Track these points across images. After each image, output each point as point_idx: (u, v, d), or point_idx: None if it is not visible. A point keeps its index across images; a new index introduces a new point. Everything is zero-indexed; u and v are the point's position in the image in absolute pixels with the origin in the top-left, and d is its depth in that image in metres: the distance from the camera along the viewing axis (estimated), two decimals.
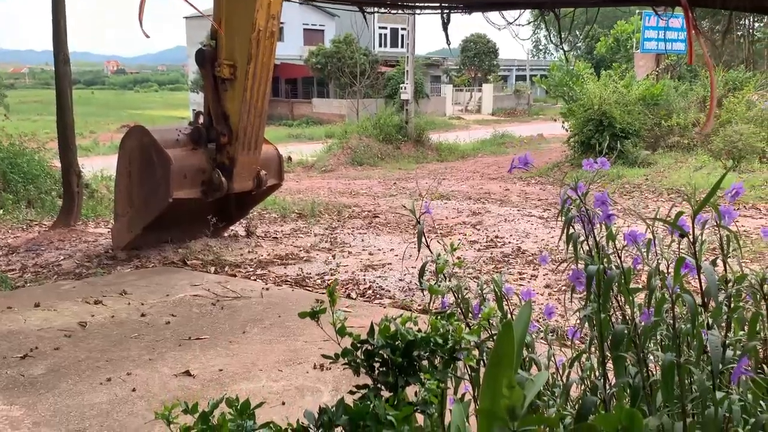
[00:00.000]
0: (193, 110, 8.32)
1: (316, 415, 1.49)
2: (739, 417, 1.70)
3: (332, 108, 37.44)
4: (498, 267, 7.18)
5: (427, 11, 8.11)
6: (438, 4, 7.47)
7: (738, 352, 1.90)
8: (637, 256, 1.97)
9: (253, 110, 7.50)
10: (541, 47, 58.27)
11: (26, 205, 11.04)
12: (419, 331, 1.62)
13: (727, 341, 1.83)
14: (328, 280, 6.85)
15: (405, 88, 22.08)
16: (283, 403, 3.85)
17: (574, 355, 2.08)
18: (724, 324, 1.98)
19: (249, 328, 5.23)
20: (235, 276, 6.92)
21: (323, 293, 6.23)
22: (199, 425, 1.42)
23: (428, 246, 2.25)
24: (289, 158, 17.62)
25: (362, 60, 33.77)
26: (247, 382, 4.21)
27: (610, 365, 1.98)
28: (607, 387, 1.91)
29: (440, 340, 1.57)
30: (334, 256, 7.87)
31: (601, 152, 14.18)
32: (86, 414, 3.80)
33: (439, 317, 1.62)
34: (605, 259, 1.95)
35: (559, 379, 2.25)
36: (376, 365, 1.66)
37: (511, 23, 5.73)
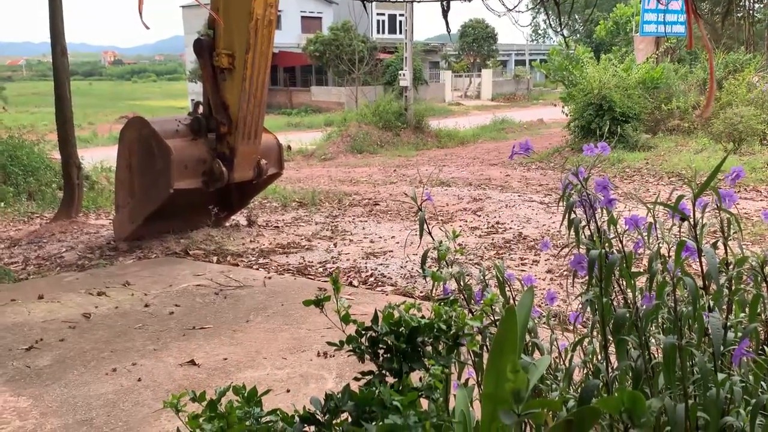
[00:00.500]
0: (192, 100, 8.31)
1: (323, 402, 1.51)
2: (740, 398, 1.72)
3: (331, 96, 37.32)
4: (499, 253, 7.19)
5: (426, 0, 8.06)
6: None
7: (739, 334, 1.92)
8: (638, 239, 1.99)
9: (253, 99, 7.49)
10: (540, 32, 57.96)
11: (27, 197, 11.06)
12: (422, 317, 1.63)
13: (728, 323, 1.84)
14: (330, 268, 6.87)
15: (404, 74, 21.99)
16: (288, 391, 3.88)
17: (577, 339, 2.09)
18: (725, 306, 2.00)
19: (252, 317, 5.26)
20: (237, 265, 6.94)
21: (325, 281, 6.26)
22: (208, 413, 1.43)
23: (430, 233, 2.26)
24: (289, 147, 17.58)
25: (360, 47, 33.61)
26: (252, 370, 4.24)
27: (611, 350, 2.00)
28: (610, 371, 1.92)
29: (444, 326, 1.58)
30: (335, 245, 7.89)
31: (602, 136, 14.16)
32: (93, 404, 3.83)
33: (442, 303, 1.63)
34: (606, 244, 1.96)
35: (561, 363, 2.27)
36: (381, 352, 1.68)
37: (510, 10, 5.69)
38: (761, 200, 9.61)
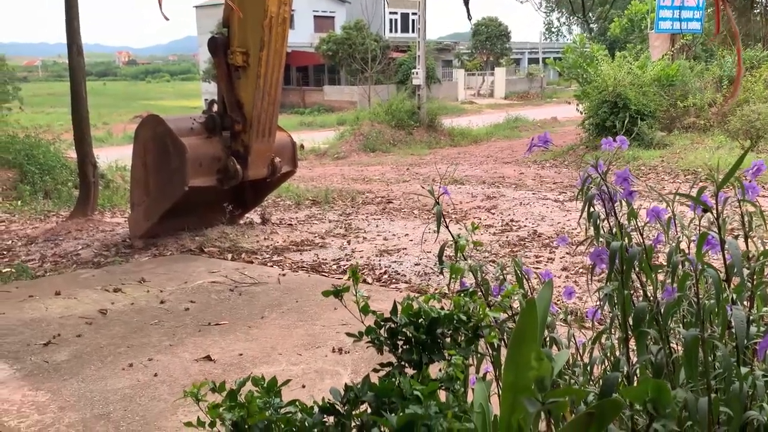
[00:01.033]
0: (205, 100, 8.35)
1: (342, 392, 1.50)
2: (763, 392, 1.69)
3: (343, 95, 37.36)
4: (514, 250, 7.16)
5: None
6: None
7: (762, 328, 1.89)
8: (658, 232, 1.96)
9: (267, 97, 7.51)
10: (553, 30, 57.64)
11: (43, 196, 11.16)
12: (442, 308, 1.62)
13: (750, 317, 1.81)
14: (344, 265, 6.88)
15: (416, 73, 21.95)
16: (304, 386, 3.89)
17: (596, 333, 2.08)
18: (747, 300, 1.97)
19: (267, 314, 5.27)
20: (251, 262, 6.97)
21: (339, 278, 6.27)
22: (228, 402, 1.44)
23: (447, 227, 2.25)
24: (302, 146, 17.62)
25: (373, 46, 33.61)
26: (267, 365, 4.25)
27: (632, 344, 1.98)
28: (630, 364, 1.90)
29: (464, 317, 1.57)
30: (349, 242, 7.90)
31: (617, 134, 14.04)
32: (110, 398, 3.86)
33: (462, 294, 1.62)
34: (626, 237, 1.94)
35: (579, 359, 2.25)
36: (400, 343, 1.67)
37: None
38: None
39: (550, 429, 1.93)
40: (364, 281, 6.25)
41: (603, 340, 2.14)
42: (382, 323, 1.66)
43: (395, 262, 6.95)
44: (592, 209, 2.02)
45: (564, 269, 6.42)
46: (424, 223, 8.84)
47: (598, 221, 2.03)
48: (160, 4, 2.18)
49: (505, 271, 2.28)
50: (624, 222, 1.98)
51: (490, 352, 2.07)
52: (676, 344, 2.03)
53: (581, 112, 16.59)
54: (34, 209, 10.30)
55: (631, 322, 1.89)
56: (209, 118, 7.69)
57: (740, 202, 1.86)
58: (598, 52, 16.50)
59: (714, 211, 1.80)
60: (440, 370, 1.58)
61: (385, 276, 6.48)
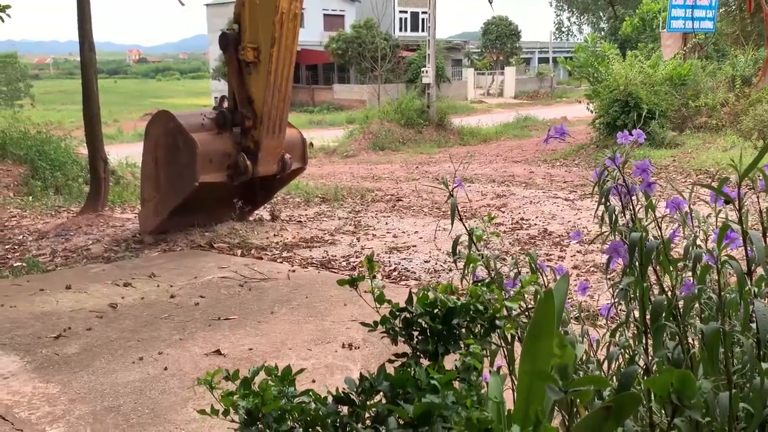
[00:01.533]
0: (215, 97, 8.34)
1: (357, 382, 1.48)
2: None
3: (353, 94, 37.36)
4: (524, 249, 7.12)
5: None
6: None
7: None
8: (678, 223, 1.93)
9: (278, 93, 7.50)
10: (564, 29, 57.39)
11: (54, 191, 11.21)
12: (458, 298, 1.60)
13: None
14: (354, 262, 6.86)
15: (426, 71, 21.91)
16: (314, 381, 3.87)
17: (614, 326, 2.04)
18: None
19: (277, 309, 5.26)
20: (261, 258, 6.96)
21: (349, 275, 6.25)
22: (242, 390, 1.42)
23: (462, 219, 2.23)
24: (311, 144, 17.61)
25: (383, 45, 33.58)
26: (277, 360, 4.23)
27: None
28: (648, 357, 1.87)
29: (480, 307, 1.55)
30: (358, 239, 7.88)
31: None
32: (120, 391, 3.86)
33: (480, 284, 1.60)
34: (643, 231, 1.91)
35: (593, 356, 2.22)
36: (415, 333, 1.65)
37: None
38: None
39: (564, 424, 1.90)
40: (374, 278, 6.22)
41: (617, 336, 2.11)
42: (398, 313, 1.64)
43: (405, 259, 6.93)
44: (608, 203, 1.99)
45: (575, 267, 6.38)
46: (434, 220, 8.81)
47: (614, 214, 2.00)
48: None
49: (519, 266, 2.25)
50: (641, 215, 1.95)
51: (505, 344, 2.05)
52: (692, 340, 2.00)
53: (592, 111, 16.50)
54: (45, 205, 10.34)
55: (648, 316, 1.86)
56: (220, 114, 7.69)
57: (758, 196, 1.83)
58: (609, 51, 16.40)
59: (736, 203, 1.76)
60: (454, 363, 1.56)
61: (395, 273, 6.45)
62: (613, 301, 2.20)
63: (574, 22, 56.21)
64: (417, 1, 41.71)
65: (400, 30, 44.28)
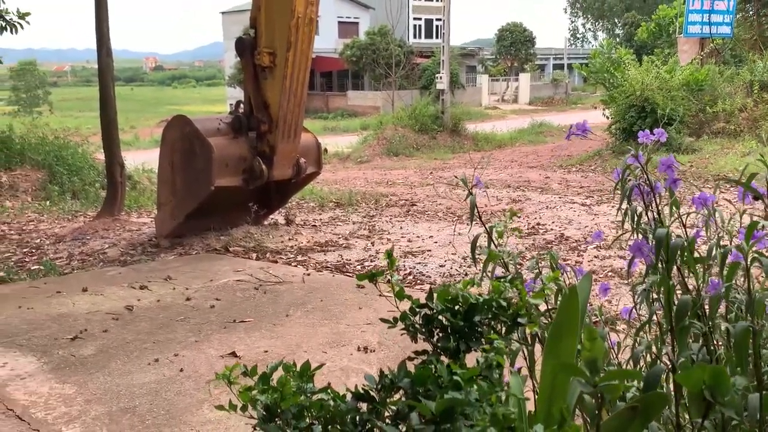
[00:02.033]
0: (230, 104, 8.40)
1: (377, 379, 1.45)
2: None
3: (367, 100, 37.45)
4: (541, 254, 7.05)
5: None
6: None
7: None
8: (704, 218, 1.89)
9: (293, 98, 7.51)
10: (578, 36, 57.19)
11: (71, 196, 11.30)
12: (480, 294, 1.57)
13: None
14: (368, 266, 6.84)
15: (440, 77, 21.90)
16: (329, 384, 3.84)
17: (638, 325, 2.00)
18: None
19: (292, 312, 5.24)
20: (276, 262, 6.96)
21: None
22: (260, 385, 1.40)
23: (480, 218, 2.20)
24: (325, 150, 17.62)
25: (397, 51, 33.64)
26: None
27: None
28: (675, 356, 1.83)
29: (504, 303, 1.51)
30: (372, 243, 7.86)
31: None
32: (136, 392, 3.86)
33: (502, 280, 1.56)
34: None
35: (614, 358, 2.18)
36: (435, 331, 1.62)
37: None
38: None
39: (585, 426, 1.86)
40: (388, 282, 6.20)
41: (640, 337, 2.07)
42: (418, 309, 1.61)
43: (420, 263, 6.90)
44: (630, 202, 1.95)
45: (592, 272, 6.30)
46: (449, 225, 8.76)
47: (636, 214, 1.96)
48: None
49: (540, 265, 2.22)
50: (665, 212, 1.91)
51: (525, 345, 2.01)
52: (717, 340, 1.95)
53: (608, 117, 16.39)
54: (62, 209, 10.43)
55: (673, 315, 1.82)
56: (235, 119, 7.72)
57: None
58: (625, 57, 16.30)
59: (766, 199, 1.72)
60: (477, 359, 1.52)
61: (410, 277, 6.42)
62: (635, 302, 2.16)
63: (589, 29, 56.01)
64: (431, 8, 41.79)
65: (415, 37, 44.39)
